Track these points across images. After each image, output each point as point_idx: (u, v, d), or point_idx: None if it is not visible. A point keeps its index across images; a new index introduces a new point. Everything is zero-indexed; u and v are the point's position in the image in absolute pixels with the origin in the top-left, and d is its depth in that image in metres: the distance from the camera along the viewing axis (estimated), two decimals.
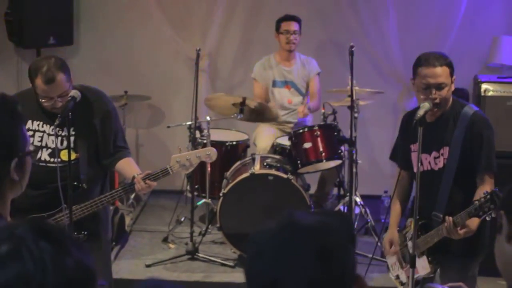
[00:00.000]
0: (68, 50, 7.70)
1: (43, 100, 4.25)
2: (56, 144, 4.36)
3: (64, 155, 4.35)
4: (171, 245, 6.72)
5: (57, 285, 1.47)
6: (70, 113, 4.16)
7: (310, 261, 1.61)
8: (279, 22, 7.11)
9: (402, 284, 4.63)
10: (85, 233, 4.34)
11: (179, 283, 4.64)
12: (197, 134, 6.65)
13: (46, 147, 4.40)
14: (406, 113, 4.63)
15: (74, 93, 4.21)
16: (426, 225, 4.34)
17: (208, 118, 6.69)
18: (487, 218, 3.96)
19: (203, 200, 6.95)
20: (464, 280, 4.25)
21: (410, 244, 4.36)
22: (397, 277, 4.67)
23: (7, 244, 1.47)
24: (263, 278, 1.63)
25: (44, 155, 4.39)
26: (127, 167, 4.47)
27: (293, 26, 7.05)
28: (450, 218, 4.13)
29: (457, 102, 4.32)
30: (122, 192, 4.46)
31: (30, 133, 4.39)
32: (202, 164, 6.66)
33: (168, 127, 7.09)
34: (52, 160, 4.37)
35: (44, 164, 4.35)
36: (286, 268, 1.61)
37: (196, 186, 6.80)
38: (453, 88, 4.27)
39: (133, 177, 4.36)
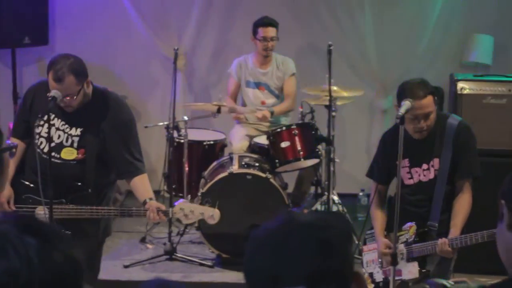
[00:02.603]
0: (43, 50, 7.65)
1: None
2: (63, 141, 4.47)
3: (64, 154, 4.42)
4: (149, 246, 6.70)
5: (45, 279, 1.46)
6: (51, 113, 4.28)
7: (310, 254, 1.61)
8: (256, 26, 7.01)
9: (373, 282, 4.71)
10: (69, 233, 4.35)
11: None
12: (175, 134, 6.64)
13: (51, 140, 4.41)
14: (386, 132, 4.78)
15: (55, 93, 4.26)
16: (424, 234, 4.50)
17: (185, 118, 6.67)
18: None
19: (181, 200, 6.90)
20: (445, 273, 4.43)
21: (400, 246, 4.45)
22: (371, 275, 4.73)
23: None
24: (264, 273, 1.63)
25: (47, 148, 4.39)
26: (141, 187, 4.56)
27: (270, 32, 6.97)
28: (446, 240, 4.25)
29: (440, 115, 4.49)
30: (133, 213, 4.55)
31: (41, 122, 4.41)
32: (179, 164, 6.66)
33: (146, 127, 7.06)
34: (52, 154, 4.40)
35: (46, 156, 4.35)
36: (286, 262, 1.61)
37: (174, 186, 6.77)
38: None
39: (145, 201, 4.43)
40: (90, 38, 7.95)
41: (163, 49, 7.79)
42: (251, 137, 6.95)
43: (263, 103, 7.10)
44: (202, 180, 6.53)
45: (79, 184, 4.43)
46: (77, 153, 4.44)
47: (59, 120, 4.48)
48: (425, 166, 4.49)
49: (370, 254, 4.77)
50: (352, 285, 1.66)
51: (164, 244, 6.48)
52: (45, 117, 4.38)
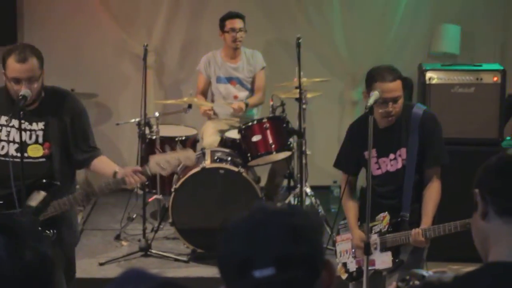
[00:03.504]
0: None
1: (11, 84, 4.25)
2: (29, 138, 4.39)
3: (31, 151, 4.38)
4: (124, 243, 6.70)
5: (15, 276, 1.47)
6: (22, 112, 4.20)
7: (280, 238, 1.65)
8: (222, 20, 7.03)
9: (347, 272, 4.75)
10: (54, 231, 4.34)
11: None
12: (146, 130, 6.64)
13: (14, 141, 4.37)
14: (353, 122, 4.81)
15: (25, 92, 4.22)
16: (397, 224, 4.53)
17: (156, 114, 6.68)
18: None
19: (154, 196, 6.94)
20: (419, 262, 4.49)
21: (374, 237, 4.50)
22: (344, 265, 4.77)
23: None
24: (235, 258, 1.67)
25: (11, 150, 4.36)
26: (105, 164, 4.52)
27: (238, 23, 7.01)
28: (419, 230, 4.32)
29: (405, 105, 4.51)
30: (112, 186, 4.39)
31: (6, 123, 4.38)
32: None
33: (118, 124, 7.06)
34: (19, 155, 4.33)
35: (11, 159, 4.29)
36: (257, 247, 1.65)
37: (147, 183, 6.78)
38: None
39: (115, 172, 4.37)
40: (59, 36, 7.92)
41: (132, 46, 7.78)
42: (222, 132, 6.98)
43: (235, 97, 7.13)
44: (175, 176, 6.54)
45: (49, 180, 4.39)
46: (43, 149, 4.41)
47: (16, 120, 4.33)
48: (392, 156, 4.52)
49: (343, 244, 4.81)
50: (323, 272, 1.70)
51: (139, 240, 6.49)
52: (0, 120, 4.38)
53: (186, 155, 4.47)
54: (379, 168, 4.56)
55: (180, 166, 4.76)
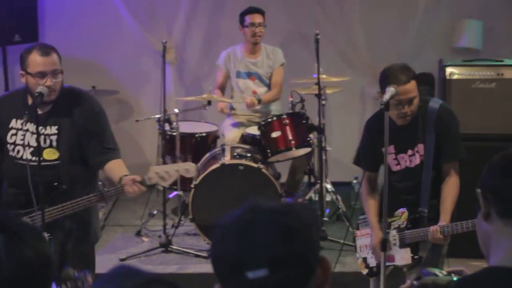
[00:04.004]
0: None
1: (36, 80, 4.27)
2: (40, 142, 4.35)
3: (46, 154, 4.38)
4: (145, 239, 6.74)
5: (14, 273, 1.48)
6: (19, 119, 4.30)
7: (272, 239, 1.63)
8: (242, 15, 7.08)
9: (367, 267, 4.74)
10: (74, 226, 4.36)
11: None
12: (166, 127, 6.66)
13: (29, 145, 4.39)
14: (370, 118, 4.75)
15: (41, 89, 4.24)
16: (416, 220, 4.51)
17: (176, 110, 6.69)
18: None
19: (175, 193, 6.96)
20: (438, 258, 4.45)
21: (393, 232, 4.48)
22: (364, 259, 4.76)
23: None
24: (228, 259, 1.66)
25: (27, 153, 4.37)
26: (116, 168, 4.46)
27: (258, 18, 7.04)
28: (438, 227, 4.30)
29: (422, 100, 4.46)
30: (112, 193, 4.41)
31: (13, 131, 4.43)
32: (173, 156, 6.69)
33: (137, 120, 7.08)
34: (34, 159, 4.33)
35: (26, 163, 4.28)
36: (249, 247, 1.63)
37: None
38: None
39: (121, 178, 4.34)
40: (80, 34, 7.96)
41: (153, 43, 7.80)
42: (243, 127, 6.99)
43: (254, 92, 7.13)
44: (195, 172, 6.55)
45: (56, 183, 4.39)
46: (59, 151, 4.42)
47: (31, 124, 4.36)
48: (410, 152, 4.49)
49: (363, 239, 4.80)
50: (318, 270, 1.68)
51: (160, 236, 6.52)
52: (16, 123, 4.41)
53: (185, 168, 4.50)
54: (398, 164, 4.54)
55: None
